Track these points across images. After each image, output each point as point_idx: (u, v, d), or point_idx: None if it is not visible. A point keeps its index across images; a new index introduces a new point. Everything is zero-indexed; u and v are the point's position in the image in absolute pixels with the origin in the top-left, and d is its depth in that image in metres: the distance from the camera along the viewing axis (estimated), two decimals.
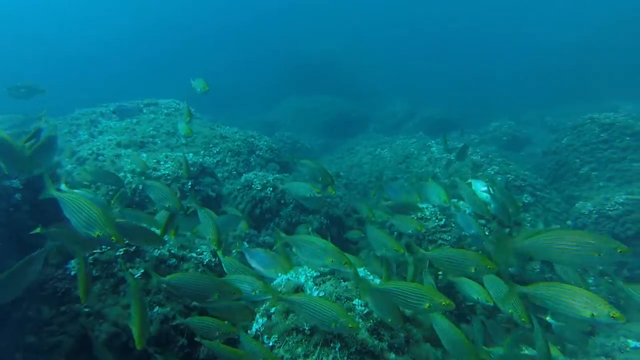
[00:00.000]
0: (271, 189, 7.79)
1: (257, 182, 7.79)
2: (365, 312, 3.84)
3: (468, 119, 19.65)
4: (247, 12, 44.37)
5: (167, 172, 6.97)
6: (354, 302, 3.88)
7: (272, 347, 3.76)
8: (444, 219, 6.81)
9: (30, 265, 3.52)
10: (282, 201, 7.79)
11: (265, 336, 3.82)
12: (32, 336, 3.81)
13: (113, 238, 3.25)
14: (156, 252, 4.51)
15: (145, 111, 10.80)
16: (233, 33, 41.66)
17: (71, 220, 3.33)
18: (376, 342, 3.68)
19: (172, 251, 4.59)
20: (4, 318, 3.88)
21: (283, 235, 4.17)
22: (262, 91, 25.84)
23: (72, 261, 4.34)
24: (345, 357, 3.51)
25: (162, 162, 7.19)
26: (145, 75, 32.72)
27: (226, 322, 3.73)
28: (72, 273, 4.27)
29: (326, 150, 16.20)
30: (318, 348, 3.63)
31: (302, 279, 4.06)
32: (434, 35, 37.73)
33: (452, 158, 11.52)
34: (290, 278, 4.10)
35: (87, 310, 4.09)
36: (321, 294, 3.90)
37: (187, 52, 38.88)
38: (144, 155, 7.56)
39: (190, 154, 7.68)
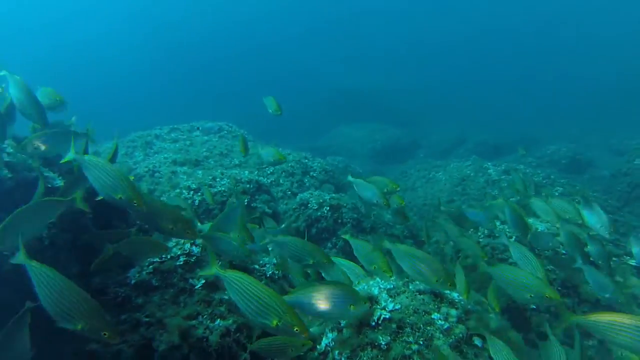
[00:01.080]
0: (328, 208, 7.56)
1: (314, 201, 7.58)
2: (445, 327, 3.46)
3: (523, 143, 18.89)
4: (292, 42, 45.46)
5: (223, 188, 6.89)
6: (432, 316, 3.52)
7: None
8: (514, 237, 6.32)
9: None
10: (339, 220, 7.53)
11: (337, 352, 3.50)
12: (94, 344, 3.66)
13: (135, 202, 3.21)
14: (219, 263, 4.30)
15: (197, 133, 10.94)
16: (278, 62, 42.67)
17: (94, 184, 3.28)
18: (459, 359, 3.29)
19: (234, 262, 4.38)
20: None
21: (386, 241, 3.83)
22: (310, 120, 26.04)
23: (133, 269, 4.22)
24: None
25: (217, 179, 7.13)
26: (187, 100, 33.85)
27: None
28: (133, 282, 4.13)
29: (377, 175, 15.90)
30: None
31: (375, 291, 3.74)
32: (481, 59, 37.16)
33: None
34: (362, 289, 3.79)
35: (147, 319, 3.92)
36: (397, 307, 3.56)
37: (235, 80, 40.10)
38: (199, 172, 7.54)
39: (246, 172, 7.60)
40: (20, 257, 2.89)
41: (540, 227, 6.13)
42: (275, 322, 2.80)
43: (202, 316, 4.00)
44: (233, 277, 2.97)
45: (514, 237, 6.20)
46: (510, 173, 11.68)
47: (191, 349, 3.87)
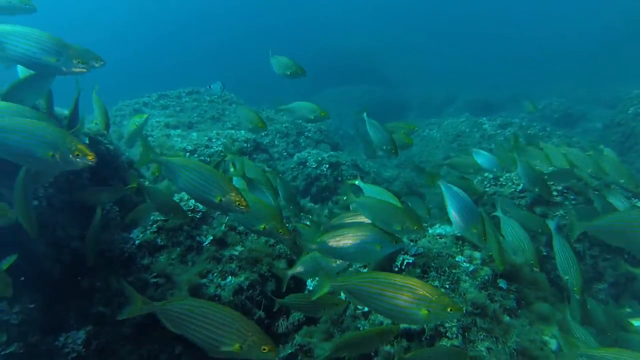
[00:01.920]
0: (327, 165, 7.36)
1: (312, 159, 7.37)
2: (470, 269, 3.33)
3: (513, 100, 18.73)
4: (277, 10, 44.02)
5: (219, 148, 6.63)
6: (456, 259, 3.38)
7: (370, 312, 3.30)
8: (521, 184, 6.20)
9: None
10: (339, 178, 7.34)
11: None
12: (102, 307, 3.46)
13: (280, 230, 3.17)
14: (225, 218, 4.11)
15: (187, 99, 10.55)
16: (263, 30, 41.43)
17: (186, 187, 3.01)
18: (488, 301, 3.17)
19: None
20: (72, 288, 3.55)
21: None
22: (297, 85, 25.48)
23: (136, 229, 4.00)
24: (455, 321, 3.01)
25: (213, 140, 6.86)
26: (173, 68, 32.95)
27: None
28: (137, 242, 3.92)
29: None
30: None
31: None
32: (466, 19, 36.51)
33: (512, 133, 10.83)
34: None
35: (155, 280, 3.72)
36: (420, 251, 3.41)
37: (219, 46, 39.00)
38: (194, 134, 7.25)
39: (242, 131, 7.32)
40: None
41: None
42: (263, 226, 3.07)
43: (213, 274, 3.83)
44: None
45: (521, 184, 6.09)
46: (506, 127, 11.57)
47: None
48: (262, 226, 3.08)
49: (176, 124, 7.82)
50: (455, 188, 2.91)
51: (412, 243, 3.49)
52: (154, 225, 4.00)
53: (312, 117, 4.84)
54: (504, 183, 6.36)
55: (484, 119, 12.24)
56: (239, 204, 2.75)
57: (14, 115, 2.70)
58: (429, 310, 2.11)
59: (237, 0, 44.63)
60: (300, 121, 9.90)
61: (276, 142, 8.88)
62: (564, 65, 25.89)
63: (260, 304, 3.81)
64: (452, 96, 20.85)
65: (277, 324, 3.81)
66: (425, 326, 2.98)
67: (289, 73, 4.81)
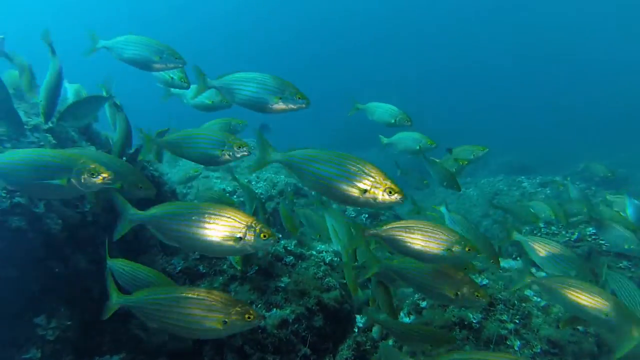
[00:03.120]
0: (366, 215, 7.21)
1: (350, 209, 7.21)
2: (542, 304, 3.02)
3: (550, 163, 18.39)
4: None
5: (260, 191, 6.55)
6: (526, 293, 3.08)
7: None
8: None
9: None
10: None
11: None
12: (139, 330, 3.25)
13: None
14: (271, 248, 3.93)
15: None
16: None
17: None
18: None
19: (289, 248, 4.00)
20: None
21: None
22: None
23: (178, 256, 3.84)
24: None
25: (253, 182, 6.80)
26: None
27: None
28: (179, 268, 3.75)
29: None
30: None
31: None
32: (493, 78, 36.81)
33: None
34: None
35: None
36: (484, 282, 3.13)
37: None
38: None
39: (282, 176, 7.26)
40: None
41: None
42: None
43: (256, 305, 3.59)
44: None
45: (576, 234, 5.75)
46: (546, 185, 11.22)
47: (245, 340, 3.45)
48: None
49: (215, 167, 7.84)
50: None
51: (475, 275, 3.22)
52: (197, 252, 3.83)
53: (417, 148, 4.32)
54: (556, 232, 6.05)
55: (523, 177, 11.96)
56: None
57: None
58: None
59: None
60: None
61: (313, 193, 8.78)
62: (599, 129, 25.55)
63: (306, 340, 3.53)
64: (484, 160, 20.67)
65: None
66: None
67: (393, 122, 4.23)
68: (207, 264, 3.82)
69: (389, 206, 2.17)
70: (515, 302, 2.99)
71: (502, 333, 2.88)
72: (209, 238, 2.14)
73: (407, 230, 2.44)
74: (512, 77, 36.15)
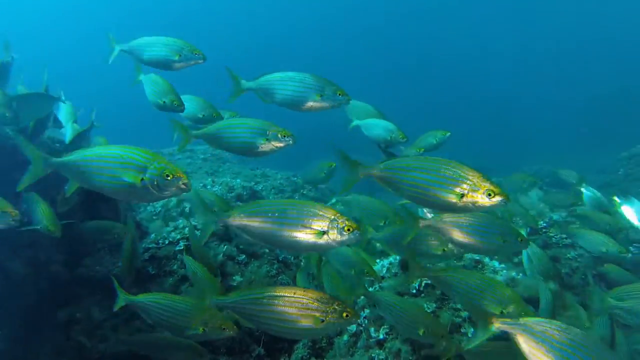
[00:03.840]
0: None
1: None
2: None
3: (502, 165, 18.98)
4: None
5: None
6: None
7: (385, 340, 2.94)
8: None
9: None
10: None
11: (373, 329, 3.01)
12: (84, 338, 3.07)
13: None
14: (222, 247, 3.81)
15: (179, 156, 10.46)
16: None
17: None
18: None
19: (242, 246, 3.89)
20: (48, 318, 3.16)
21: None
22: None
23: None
24: None
25: (208, 187, 6.64)
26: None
27: None
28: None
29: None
30: None
31: None
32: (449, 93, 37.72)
33: None
34: None
35: None
36: None
37: None
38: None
39: (238, 179, 7.12)
40: None
41: None
42: None
43: None
44: None
45: None
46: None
47: (197, 342, 3.31)
48: None
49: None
50: None
51: (429, 265, 3.21)
52: (146, 254, 3.68)
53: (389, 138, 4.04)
54: None
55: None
56: None
57: None
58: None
59: None
60: (294, 178, 9.77)
61: (270, 197, 8.68)
62: (548, 134, 26.54)
63: (260, 340, 3.42)
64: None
65: None
66: None
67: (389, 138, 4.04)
68: (156, 265, 3.67)
69: (490, 210, 2.08)
70: None
71: (457, 321, 2.89)
72: (292, 234, 2.06)
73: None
74: (471, 79, 37.17)
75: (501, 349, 2.37)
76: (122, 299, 2.70)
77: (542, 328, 1.73)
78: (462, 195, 1.96)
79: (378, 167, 2.14)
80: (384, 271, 3.33)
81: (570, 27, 37.36)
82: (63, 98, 3.68)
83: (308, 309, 2.05)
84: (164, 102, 3.32)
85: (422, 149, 4.11)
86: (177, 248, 3.74)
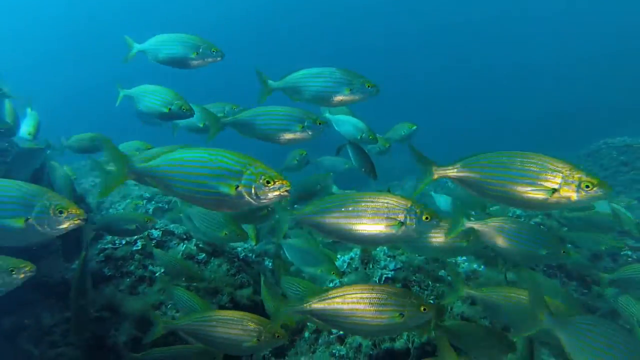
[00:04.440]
0: None
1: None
2: None
3: None
4: None
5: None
6: (440, 273, 3.11)
7: (345, 336, 2.91)
8: None
9: None
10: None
11: None
12: (32, 346, 2.92)
13: None
14: (182, 246, 3.72)
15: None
16: None
17: None
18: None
19: (201, 245, 3.79)
20: None
21: None
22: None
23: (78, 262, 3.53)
24: None
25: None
26: None
27: None
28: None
29: None
30: None
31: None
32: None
33: None
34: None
35: (97, 314, 3.23)
36: (399, 265, 3.12)
37: None
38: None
39: None
40: None
41: None
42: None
43: (166, 306, 3.37)
44: None
45: None
46: None
47: (154, 344, 3.20)
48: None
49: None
50: None
51: (389, 258, 3.20)
52: (101, 254, 3.55)
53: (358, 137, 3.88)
54: None
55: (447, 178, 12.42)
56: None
57: None
58: None
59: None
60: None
61: None
62: (513, 134, 27.15)
63: None
64: (412, 167, 21.30)
65: None
66: None
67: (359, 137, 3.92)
68: (112, 265, 3.54)
69: (588, 204, 1.89)
70: (430, 282, 3.00)
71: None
72: (369, 227, 1.98)
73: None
74: (440, 83, 37.63)
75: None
76: (161, 326, 2.52)
77: None
78: (554, 191, 1.80)
79: (455, 167, 2.00)
80: (345, 266, 3.31)
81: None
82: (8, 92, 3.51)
83: (387, 304, 1.99)
84: (170, 109, 3.21)
85: (387, 144, 4.13)
86: (135, 248, 3.63)
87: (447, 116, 30.62)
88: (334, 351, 2.89)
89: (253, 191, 1.74)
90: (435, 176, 2.07)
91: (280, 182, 1.74)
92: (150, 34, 3.32)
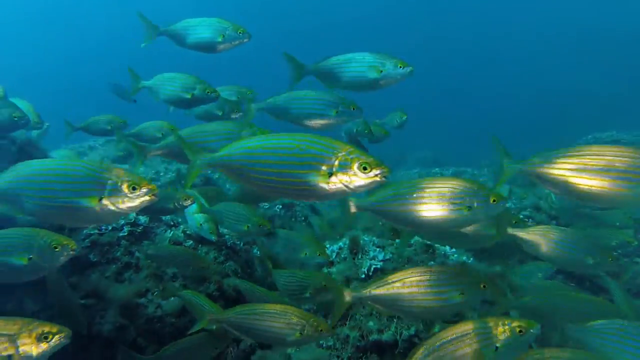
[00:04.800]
0: (280, 206, 7.05)
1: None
2: None
3: (460, 158, 19.40)
4: None
5: (169, 181, 6.21)
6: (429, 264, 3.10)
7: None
8: None
9: None
10: (293, 218, 7.02)
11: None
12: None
13: None
14: (169, 233, 3.67)
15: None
16: None
17: None
18: None
19: (188, 232, 3.75)
20: None
21: None
22: None
23: None
24: None
25: (162, 173, 6.42)
26: None
27: None
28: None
29: None
30: None
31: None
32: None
33: None
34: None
35: (82, 301, 3.18)
36: (388, 256, 3.11)
37: None
38: (141, 168, 6.79)
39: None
40: None
41: None
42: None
43: (152, 293, 3.33)
44: None
45: None
46: (460, 175, 11.78)
47: (139, 332, 3.18)
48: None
49: (123, 160, 7.36)
50: None
51: (378, 249, 3.19)
52: (87, 240, 3.49)
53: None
54: None
55: (437, 169, 12.44)
56: None
57: None
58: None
59: None
60: None
61: (227, 186, 8.52)
62: (505, 127, 27.28)
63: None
64: (402, 155, 21.35)
65: (225, 353, 3.32)
66: None
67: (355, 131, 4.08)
68: (98, 252, 3.48)
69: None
70: None
71: None
72: (438, 212, 1.94)
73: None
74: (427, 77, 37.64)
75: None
76: (206, 318, 2.42)
77: None
78: None
79: (536, 162, 1.84)
80: (334, 256, 3.29)
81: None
82: None
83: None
84: (193, 94, 3.18)
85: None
86: (121, 234, 3.57)
87: (435, 111, 30.74)
88: (321, 342, 2.88)
89: (348, 179, 1.59)
90: (519, 172, 1.96)
91: (380, 167, 1.58)
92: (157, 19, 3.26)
